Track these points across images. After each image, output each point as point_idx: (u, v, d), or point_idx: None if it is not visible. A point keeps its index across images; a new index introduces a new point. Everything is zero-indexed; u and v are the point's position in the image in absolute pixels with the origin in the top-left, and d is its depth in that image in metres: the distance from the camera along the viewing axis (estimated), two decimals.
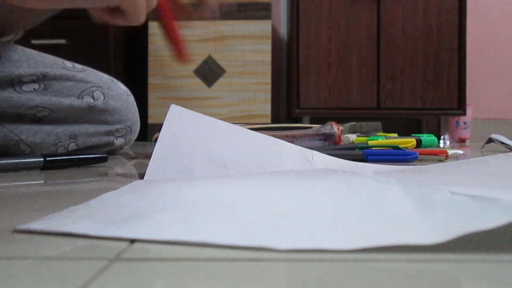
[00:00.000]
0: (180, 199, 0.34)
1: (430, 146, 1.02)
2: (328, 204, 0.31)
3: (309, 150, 0.58)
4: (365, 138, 0.98)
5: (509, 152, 0.53)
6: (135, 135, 0.87)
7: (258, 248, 0.22)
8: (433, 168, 0.52)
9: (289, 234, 0.24)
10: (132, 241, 0.23)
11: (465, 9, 2.02)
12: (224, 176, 0.48)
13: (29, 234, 0.25)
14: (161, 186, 0.41)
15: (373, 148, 0.75)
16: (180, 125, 0.51)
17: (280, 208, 0.30)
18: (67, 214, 0.28)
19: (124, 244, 0.23)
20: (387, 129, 2.27)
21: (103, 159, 0.63)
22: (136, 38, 2.08)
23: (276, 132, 0.80)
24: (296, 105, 2.02)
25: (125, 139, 0.84)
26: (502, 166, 0.49)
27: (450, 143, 2.05)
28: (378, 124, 1.29)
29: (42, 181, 0.50)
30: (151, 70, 1.93)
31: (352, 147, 0.75)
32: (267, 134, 0.74)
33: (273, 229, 0.25)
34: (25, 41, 0.78)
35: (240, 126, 0.56)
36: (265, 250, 0.22)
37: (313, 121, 2.07)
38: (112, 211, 0.29)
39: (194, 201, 0.33)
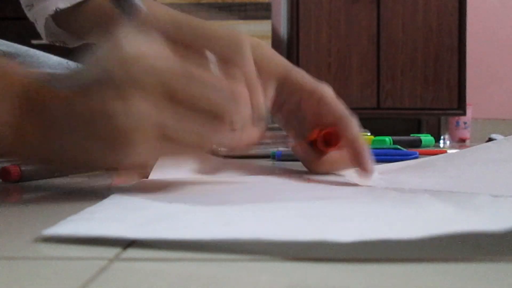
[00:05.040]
0: (205, 198, 0.34)
1: (428, 146, 1.02)
2: (362, 205, 0.31)
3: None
4: (371, 137, 0.98)
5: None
6: None
7: (322, 242, 0.20)
8: (438, 161, 0.51)
9: (346, 227, 0.23)
10: (132, 241, 0.23)
11: (465, 9, 2.02)
12: (230, 177, 0.48)
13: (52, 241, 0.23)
14: (173, 185, 0.41)
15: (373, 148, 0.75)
16: None
17: (314, 209, 0.29)
18: (89, 216, 0.27)
19: (124, 244, 0.23)
20: (387, 129, 2.27)
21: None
22: None
23: (276, 132, 0.80)
24: None
25: None
26: (504, 150, 0.49)
27: (450, 143, 2.05)
28: None
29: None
30: None
31: None
32: (267, 134, 0.74)
33: (327, 223, 0.24)
34: (25, 41, 0.78)
35: None
36: (276, 249, 0.22)
37: None
38: (136, 212, 0.28)
39: (221, 200, 0.33)
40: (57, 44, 0.70)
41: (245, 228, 0.24)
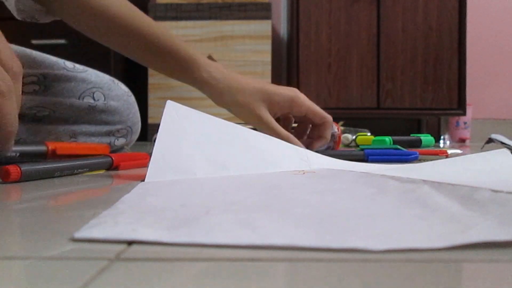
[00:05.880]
0: (220, 200, 0.34)
1: (428, 146, 1.02)
2: (374, 206, 0.31)
3: (303, 149, 0.59)
4: (371, 137, 0.98)
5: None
6: (136, 136, 0.87)
7: (353, 250, 0.21)
8: (424, 167, 0.52)
9: (373, 234, 0.23)
10: (131, 241, 0.23)
11: (465, 9, 2.02)
12: (234, 176, 0.49)
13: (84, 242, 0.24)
14: (181, 187, 0.41)
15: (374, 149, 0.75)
16: (178, 123, 0.51)
17: (332, 210, 0.30)
18: (112, 219, 0.27)
19: (123, 244, 0.23)
20: (387, 129, 2.27)
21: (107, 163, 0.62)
22: None
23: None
24: None
25: (126, 139, 0.84)
26: (488, 162, 0.50)
27: (450, 143, 2.05)
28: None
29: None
30: (151, 70, 1.93)
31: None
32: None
33: (352, 228, 0.24)
34: (25, 41, 0.78)
35: (239, 125, 0.56)
36: (271, 250, 0.22)
37: None
38: (155, 214, 0.29)
39: (234, 202, 0.33)
40: (28, 20, 0.72)
41: (274, 233, 0.24)
